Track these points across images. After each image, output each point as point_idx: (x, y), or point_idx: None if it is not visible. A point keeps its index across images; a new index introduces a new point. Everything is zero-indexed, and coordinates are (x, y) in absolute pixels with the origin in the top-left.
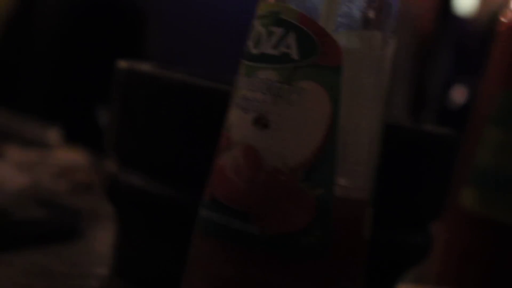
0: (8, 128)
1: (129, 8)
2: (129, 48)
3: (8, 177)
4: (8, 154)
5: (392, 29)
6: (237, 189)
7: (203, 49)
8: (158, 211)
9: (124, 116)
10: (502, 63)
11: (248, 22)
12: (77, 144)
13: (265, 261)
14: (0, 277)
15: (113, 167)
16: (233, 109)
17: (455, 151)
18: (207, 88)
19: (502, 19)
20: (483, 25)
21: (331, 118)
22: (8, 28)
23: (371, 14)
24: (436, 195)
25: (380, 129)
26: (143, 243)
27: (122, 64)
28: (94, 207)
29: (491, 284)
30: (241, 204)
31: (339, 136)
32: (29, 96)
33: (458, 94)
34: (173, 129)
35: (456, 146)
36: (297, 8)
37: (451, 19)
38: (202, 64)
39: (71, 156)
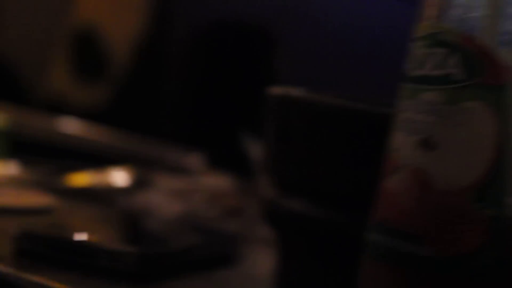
0: (152, 156)
1: (259, 30)
2: (262, 71)
3: (163, 205)
4: (158, 182)
5: None
6: (408, 212)
7: (329, 71)
8: (321, 236)
9: (280, 142)
10: None
11: (375, 42)
12: (220, 169)
13: (439, 283)
14: None
15: (271, 192)
16: (397, 132)
17: None
18: (367, 111)
19: None
20: None
21: (500, 136)
22: (140, 54)
23: None
24: None
25: None
26: (305, 268)
27: (275, 90)
28: (246, 232)
29: None
30: (412, 226)
31: (509, 155)
32: (169, 123)
33: None
34: (333, 153)
35: None
36: (457, 28)
37: None
38: (333, 86)
39: (219, 182)
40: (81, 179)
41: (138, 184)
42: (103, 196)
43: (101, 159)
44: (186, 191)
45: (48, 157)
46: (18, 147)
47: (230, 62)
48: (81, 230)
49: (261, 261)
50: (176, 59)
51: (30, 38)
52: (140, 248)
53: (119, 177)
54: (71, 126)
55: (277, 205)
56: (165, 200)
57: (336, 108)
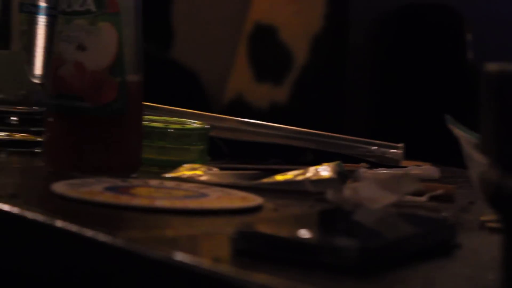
0: (352, 150)
1: (447, 10)
2: (457, 53)
3: (373, 197)
4: (363, 175)
5: None
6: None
7: None
8: None
9: (502, 120)
10: None
11: None
12: (420, 159)
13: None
14: None
15: (495, 174)
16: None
17: None
18: None
19: None
20: None
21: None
22: (321, 50)
23: None
24: None
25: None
26: None
27: (492, 67)
28: (460, 219)
29: None
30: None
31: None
32: (359, 118)
33: None
34: None
35: None
36: None
37: None
38: None
39: (424, 171)
40: (285, 176)
41: (344, 178)
42: (310, 191)
43: (299, 158)
44: (393, 182)
45: (245, 157)
46: (214, 150)
47: (419, 47)
48: (295, 227)
49: (482, 248)
50: (359, 51)
51: (210, 45)
52: (360, 242)
53: (325, 173)
54: (259, 127)
55: (502, 187)
56: (373, 192)
57: None
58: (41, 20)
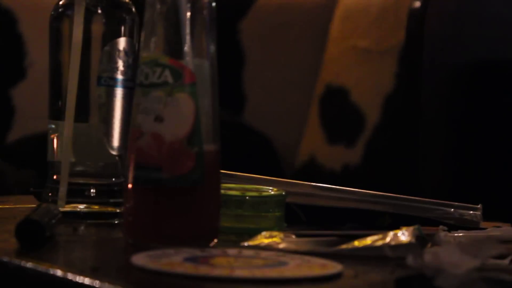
0: (430, 214)
1: None
2: None
3: (455, 261)
4: (444, 238)
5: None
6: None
7: None
8: None
9: None
10: None
11: None
12: (497, 221)
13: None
14: None
15: None
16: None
17: None
18: None
19: None
20: None
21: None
22: (393, 111)
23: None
24: None
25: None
26: None
27: None
28: None
29: None
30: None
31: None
32: (433, 178)
33: None
34: None
35: None
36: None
37: None
38: None
39: (505, 232)
40: (364, 242)
41: (423, 243)
42: (389, 257)
43: (376, 222)
44: (474, 245)
45: (322, 223)
46: (291, 217)
47: (494, 104)
48: None
49: None
50: (432, 109)
51: (282, 109)
52: None
53: (403, 237)
54: (334, 191)
55: None
56: (455, 256)
57: None
58: (119, 93)
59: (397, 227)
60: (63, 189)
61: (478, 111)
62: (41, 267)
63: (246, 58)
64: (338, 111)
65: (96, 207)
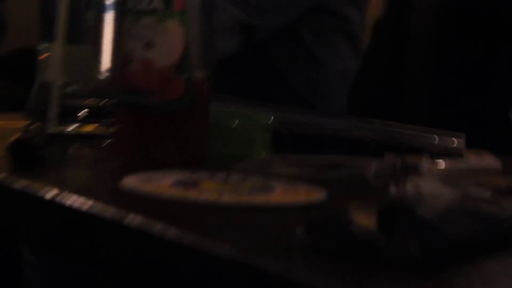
0: (413, 142)
1: None
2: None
3: (435, 191)
4: (425, 168)
5: None
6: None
7: None
8: None
9: None
10: None
11: None
12: (479, 150)
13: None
14: None
15: None
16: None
17: None
18: None
19: None
20: None
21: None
22: (381, 38)
23: None
24: None
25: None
26: None
27: None
28: None
29: None
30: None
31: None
32: (419, 107)
33: None
34: None
35: None
36: None
37: None
38: None
39: (486, 162)
40: (348, 169)
41: (406, 172)
42: (373, 185)
43: (361, 149)
44: (455, 175)
45: (309, 150)
46: (278, 142)
47: (483, 35)
48: (358, 222)
49: None
50: (421, 39)
51: None
52: (422, 238)
53: (387, 166)
54: (322, 118)
55: None
56: (436, 186)
57: None
58: (108, 17)
59: (381, 154)
60: (53, 110)
61: (464, 41)
62: (33, 188)
63: None
64: None
65: (88, 128)
